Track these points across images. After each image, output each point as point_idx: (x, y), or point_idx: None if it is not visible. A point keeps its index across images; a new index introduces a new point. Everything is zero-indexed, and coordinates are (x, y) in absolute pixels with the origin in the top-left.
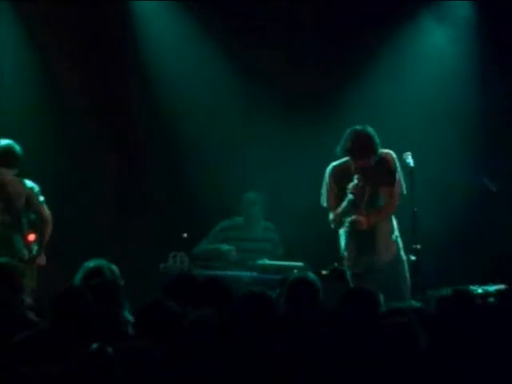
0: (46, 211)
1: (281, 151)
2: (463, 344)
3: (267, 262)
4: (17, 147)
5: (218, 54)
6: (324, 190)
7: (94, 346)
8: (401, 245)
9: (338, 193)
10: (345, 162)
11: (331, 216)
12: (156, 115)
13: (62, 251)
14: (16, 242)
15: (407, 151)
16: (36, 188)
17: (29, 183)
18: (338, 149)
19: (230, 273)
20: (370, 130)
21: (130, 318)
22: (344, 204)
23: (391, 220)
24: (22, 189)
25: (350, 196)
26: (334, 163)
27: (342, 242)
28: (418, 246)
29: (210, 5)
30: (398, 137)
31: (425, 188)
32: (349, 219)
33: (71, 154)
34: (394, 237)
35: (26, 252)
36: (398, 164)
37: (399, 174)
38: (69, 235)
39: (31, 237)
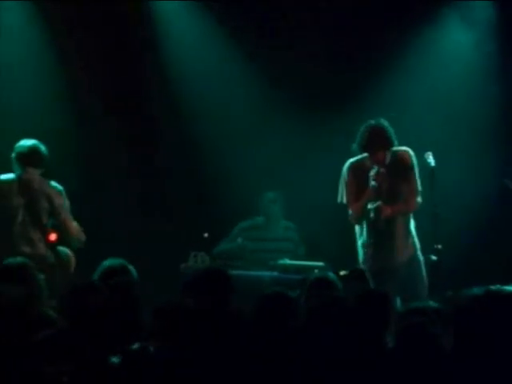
0: (68, 215)
1: (300, 150)
2: (486, 344)
3: (288, 261)
4: (42, 147)
5: (237, 54)
6: (342, 187)
7: (136, 345)
8: (418, 245)
9: (357, 188)
10: (362, 159)
11: (351, 210)
12: (175, 115)
13: (81, 251)
14: (37, 242)
15: (428, 151)
16: (61, 190)
17: (54, 184)
18: (354, 145)
19: (250, 273)
20: (385, 122)
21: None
22: (367, 192)
23: (409, 220)
24: (46, 189)
25: (372, 183)
26: (351, 160)
27: (359, 240)
28: (439, 246)
29: (229, 4)
30: (419, 136)
31: (446, 188)
32: (373, 205)
33: (91, 153)
34: (411, 237)
35: (48, 252)
36: (415, 161)
37: (416, 171)
38: (88, 235)
39: (52, 236)
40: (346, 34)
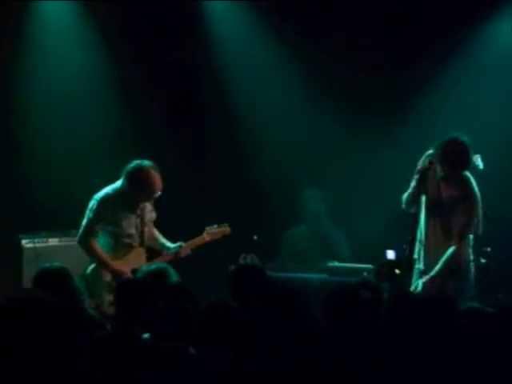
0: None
1: (351, 151)
2: None
3: (337, 264)
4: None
5: (288, 55)
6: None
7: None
8: (471, 254)
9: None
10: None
11: (405, 194)
12: (226, 116)
13: None
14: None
15: (483, 152)
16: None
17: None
18: (432, 150)
19: (300, 275)
20: (467, 141)
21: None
22: (412, 184)
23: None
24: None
25: (426, 164)
26: (431, 151)
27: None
28: (488, 249)
29: (279, 5)
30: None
31: (497, 189)
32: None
33: (145, 155)
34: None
35: None
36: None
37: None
38: None
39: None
40: (401, 34)
